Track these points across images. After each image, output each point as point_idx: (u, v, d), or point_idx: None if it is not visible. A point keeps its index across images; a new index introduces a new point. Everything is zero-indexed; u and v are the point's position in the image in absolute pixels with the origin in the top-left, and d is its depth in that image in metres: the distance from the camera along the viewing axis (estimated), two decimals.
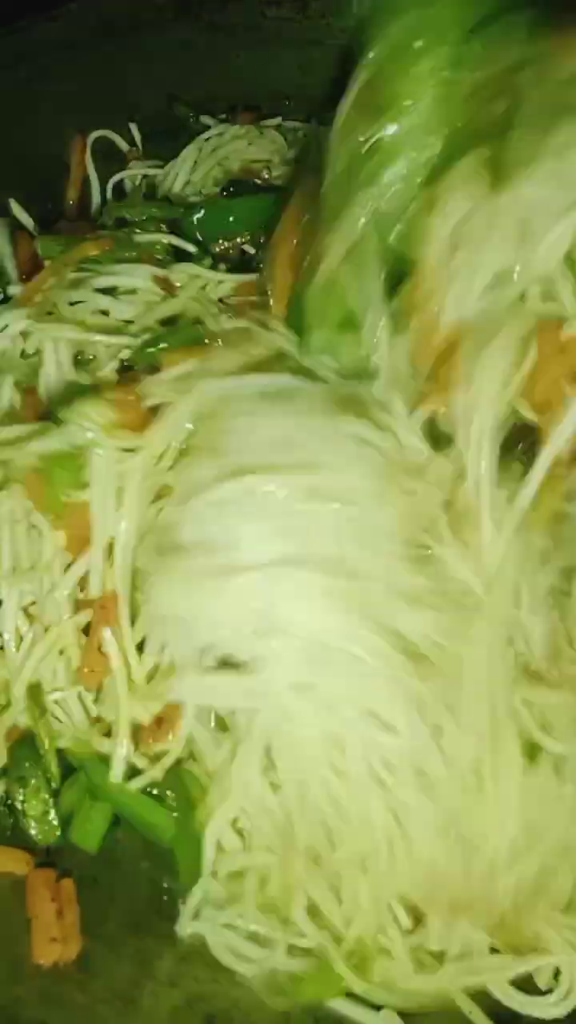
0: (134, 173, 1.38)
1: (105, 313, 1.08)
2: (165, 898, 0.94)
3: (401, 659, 0.84)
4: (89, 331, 1.04)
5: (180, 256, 1.15)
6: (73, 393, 0.99)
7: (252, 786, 0.89)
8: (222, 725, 0.94)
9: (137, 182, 1.38)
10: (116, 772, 0.93)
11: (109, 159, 1.40)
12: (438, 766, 0.84)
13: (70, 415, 0.94)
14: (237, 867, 0.91)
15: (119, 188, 1.39)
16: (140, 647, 0.94)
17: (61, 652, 0.98)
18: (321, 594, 0.85)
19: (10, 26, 1.29)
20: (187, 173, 1.33)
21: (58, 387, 1.03)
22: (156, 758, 0.93)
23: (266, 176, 1.32)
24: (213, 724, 0.94)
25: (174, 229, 1.18)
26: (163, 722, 0.94)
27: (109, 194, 1.38)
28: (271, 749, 0.88)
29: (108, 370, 1.03)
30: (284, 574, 0.85)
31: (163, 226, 1.17)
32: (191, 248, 1.14)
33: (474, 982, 0.88)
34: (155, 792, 0.94)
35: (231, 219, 1.21)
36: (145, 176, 1.38)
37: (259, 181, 1.31)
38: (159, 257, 1.13)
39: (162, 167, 1.36)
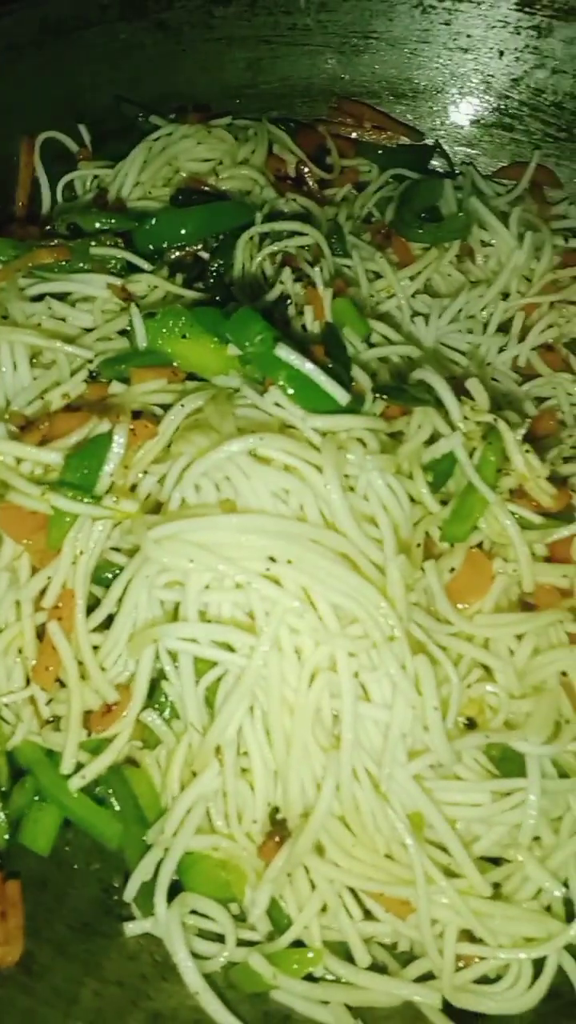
0: (84, 174, 1.37)
1: (62, 320, 1.07)
2: (115, 898, 0.94)
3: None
4: (47, 337, 1.03)
5: (134, 267, 1.15)
6: None
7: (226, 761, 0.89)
8: (174, 712, 0.95)
9: (87, 183, 1.38)
10: (66, 764, 0.93)
11: (58, 160, 1.39)
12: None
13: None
14: (195, 848, 0.91)
15: (69, 188, 1.39)
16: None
17: (20, 651, 0.98)
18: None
19: None
20: (136, 173, 1.32)
21: (15, 390, 1.03)
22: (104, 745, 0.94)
23: (214, 181, 1.32)
24: (167, 713, 0.95)
25: (127, 240, 1.18)
26: (113, 708, 0.94)
27: (59, 196, 1.38)
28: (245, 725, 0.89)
29: (75, 381, 1.03)
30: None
31: (118, 240, 1.16)
32: (146, 266, 1.14)
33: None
34: (100, 794, 0.94)
35: (183, 231, 1.21)
36: (96, 177, 1.38)
37: (208, 187, 1.30)
38: (113, 271, 1.13)
39: (112, 167, 1.35)
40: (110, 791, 0.94)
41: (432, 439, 0.98)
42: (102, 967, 0.89)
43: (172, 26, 1.42)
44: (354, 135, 1.46)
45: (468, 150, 1.53)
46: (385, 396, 1.00)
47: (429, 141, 1.53)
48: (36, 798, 0.97)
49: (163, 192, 1.33)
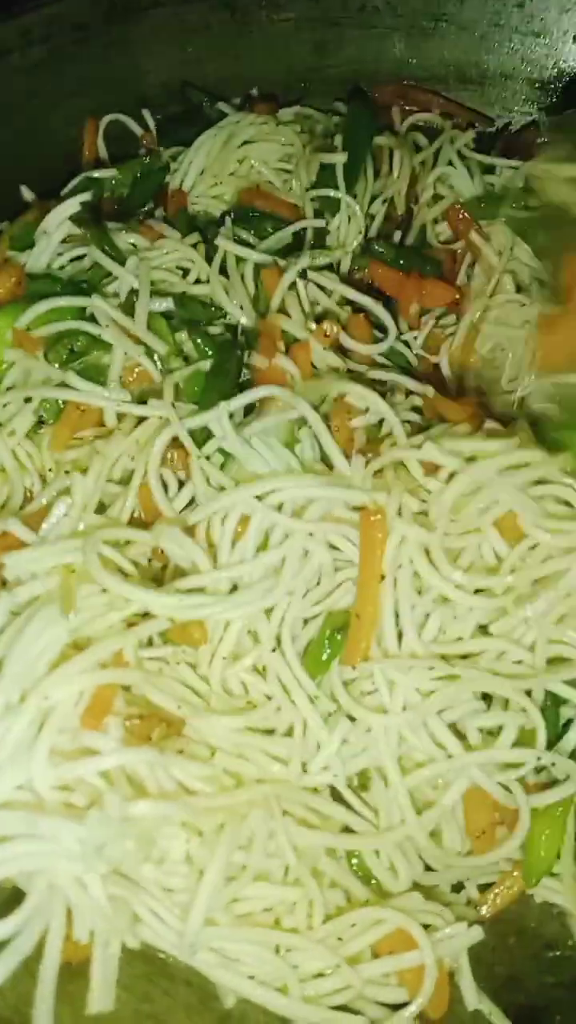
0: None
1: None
2: None
3: None
4: None
5: None
6: None
7: None
8: None
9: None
10: None
11: (122, 143, 1.37)
12: None
13: None
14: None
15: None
16: None
17: None
18: None
19: (20, 7, 1.26)
20: (201, 163, 1.30)
21: None
22: None
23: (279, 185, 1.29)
24: None
25: None
26: None
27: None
28: None
29: None
30: None
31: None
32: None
33: None
34: None
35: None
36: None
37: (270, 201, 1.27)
38: None
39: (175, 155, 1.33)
40: None
41: None
42: (167, 964, 0.89)
43: (239, 7, 1.39)
44: (422, 121, 1.42)
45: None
46: None
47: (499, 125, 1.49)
48: None
49: (226, 188, 1.30)
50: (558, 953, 0.97)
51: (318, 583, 0.96)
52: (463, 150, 1.34)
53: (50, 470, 1.06)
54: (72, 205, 1.17)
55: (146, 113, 1.37)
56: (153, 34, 1.36)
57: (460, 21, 1.44)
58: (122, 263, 1.12)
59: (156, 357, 1.07)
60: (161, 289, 1.14)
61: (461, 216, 1.26)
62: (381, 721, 0.92)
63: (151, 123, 1.37)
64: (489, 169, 1.33)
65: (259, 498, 0.95)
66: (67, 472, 1.02)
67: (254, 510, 0.95)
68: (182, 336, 1.11)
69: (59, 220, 1.16)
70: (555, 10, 1.41)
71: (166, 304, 1.11)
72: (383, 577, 0.93)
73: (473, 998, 0.90)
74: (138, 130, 1.38)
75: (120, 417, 1.06)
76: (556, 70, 1.46)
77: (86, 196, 1.18)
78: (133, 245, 1.17)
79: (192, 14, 1.37)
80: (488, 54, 1.46)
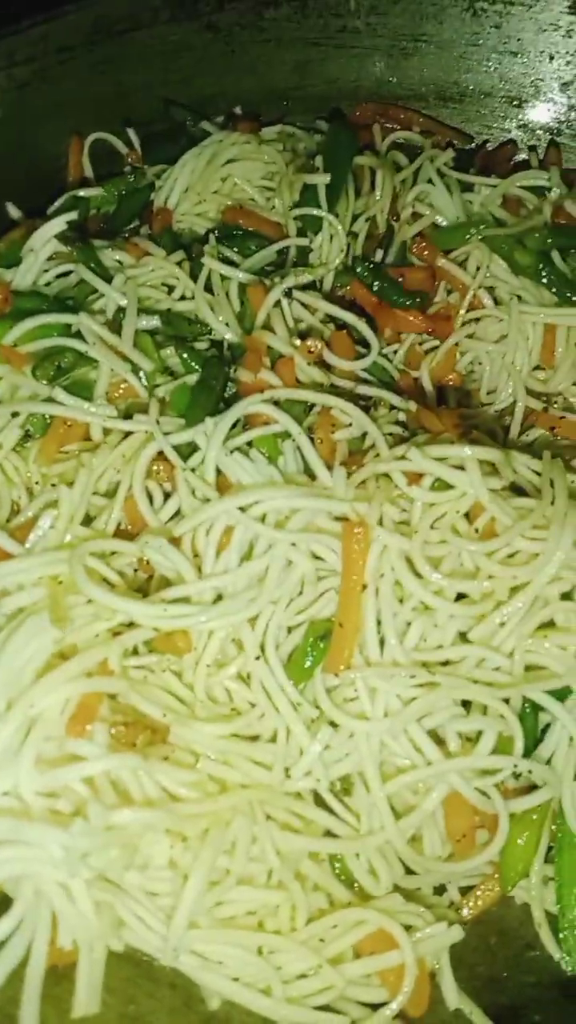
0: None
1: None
2: None
3: None
4: None
5: None
6: None
7: None
8: None
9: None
10: None
11: (107, 161, 1.40)
12: None
13: None
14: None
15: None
16: None
17: None
18: None
19: (7, 28, 1.28)
20: (186, 179, 1.32)
21: None
22: None
23: (262, 204, 1.32)
24: None
25: None
26: None
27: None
28: None
29: None
30: None
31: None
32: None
33: None
34: None
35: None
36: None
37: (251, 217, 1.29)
38: None
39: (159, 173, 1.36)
40: None
41: None
42: (152, 966, 0.90)
43: (222, 28, 1.42)
44: (402, 139, 1.44)
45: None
46: None
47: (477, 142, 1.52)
48: None
49: (210, 206, 1.32)
50: (538, 953, 0.98)
51: (301, 592, 0.98)
52: (442, 168, 1.36)
53: (37, 483, 1.08)
54: (58, 224, 1.19)
55: (131, 132, 1.40)
56: (137, 54, 1.39)
57: (439, 41, 1.47)
58: (108, 280, 1.15)
59: (142, 374, 1.10)
60: (147, 306, 1.17)
61: (426, 246, 1.28)
62: (363, 727, 0.94)
63: (136, 141, 1.40)
64: (467, 187, 1.35)
65: (243, 509, 0.97)
66: (53, 485, 1.04)
67: (238, 521, 0.97)
68: (168, 352, 1.14)
69: (45, 238, 1.19)
70: (531, 30, 1.45)
71: (153, 322, 1.14)
72: (365, 587, 0.95)
73: (454, 998, 0.92)
74: (123, 148, 1.40)
75: (106, 432, 1.08)
76: (533, 88, 1.49)
77: (72, 215, 1.20)
78: (119, 262, 1.19)
79: (176, 34, 1.40)
80: (467, 73, 1.49)
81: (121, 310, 1.13)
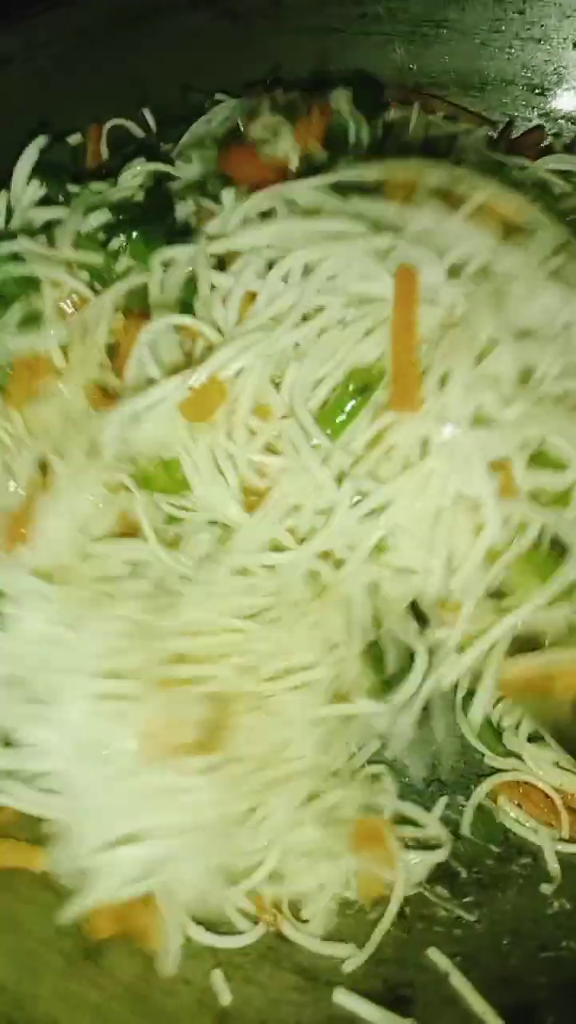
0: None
1: None
2: None
3: None
4: None
5: None
6: None
7: None
8: None
9: None
10: None
11: (125, 146, 1.38)
12: None
13: None
14: None
15: None
16: None
17: None
18: None
19: (26, 14, 1.27)
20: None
21: None
22: None
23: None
24: None
25: None
26: None
27: None
28: None
29: None
30: None
31: None
32: None
33: None
34: None
35: None
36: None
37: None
38: None
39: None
40: None
41: None
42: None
43: (241, 14, 1.40)
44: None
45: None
46: None
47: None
48: None
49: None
50: (551, 954, 0.98)
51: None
52: (478, 145, 1.35)
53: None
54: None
55: (146, 112, 1.37)
56: (156, 41, 1.37)
57: (461, 27, 1.45)
58: None
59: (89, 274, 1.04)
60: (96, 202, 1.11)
61: None
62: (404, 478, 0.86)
63: (153, 125, 1.38)
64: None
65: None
66: None
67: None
68: (120, 240, 1.05)
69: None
70: (555, 16, 1.42)
71: (102, 217, 1.07)
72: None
73: (467, 997, 0.92)
74: (140, 134, 1.39)
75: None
76: (556, 76, 1.47)
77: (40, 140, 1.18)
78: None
79: (194, 22, 1.38)
80: (489, 60, 1.47)
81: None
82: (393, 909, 0.97)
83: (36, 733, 0.88)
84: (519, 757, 1.08)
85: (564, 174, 1.26)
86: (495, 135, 1.49)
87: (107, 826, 0.85)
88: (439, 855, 1.03)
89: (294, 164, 1.16)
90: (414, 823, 1.04)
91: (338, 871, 0.96)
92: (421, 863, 1.02)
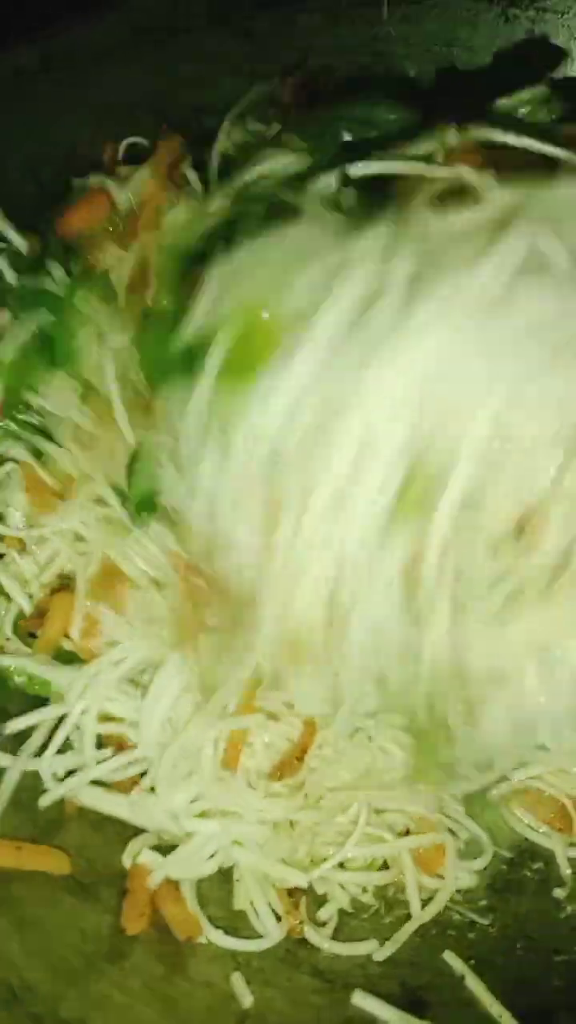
0: None
1: None
2: None
3: None
4: None
5: None
6: None
7: None
8: None
9: None
10: None
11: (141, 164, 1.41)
12: None
13: None
14: None
15: None
16: None
17: None
18: None
19: (47, 31, 1.30)
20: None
21: None
22: None
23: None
24: None
25: None
26: None
27: None
28: None
29: None
30: None
31: None
32: None
33: None
34: None
35: None
36: None
37: None
38: None
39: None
40: None
41: None
42: (186, 965, 0.92)
43: (256, 35, 1.42)
44: None
45: None
46: None
47: None
48: None
49: None
50: (565, 958, 0.99)
51: None
52: None
53: None
54: None
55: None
56: (173, 60, 1.39)
57: (472, 47, 1.47)
58: None
59: None
60: None
61: None
62: None
63: None
64: None
65: None
66: None
67: None
68: None
69: None
70: (564, 36, 1.44)
71: None
72: None
73: (483, 1000, 0.93)
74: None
75: None
76: None
77: None
78: None
79: (211, 41, 1.41)
80: None
81: None
82: (432, 910, 0.98)
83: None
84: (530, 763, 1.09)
85: None
86: None
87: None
88: (480, 862, 1.04)
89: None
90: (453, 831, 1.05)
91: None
92: (468, 870, 1.04)
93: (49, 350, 1.08)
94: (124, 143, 1.39)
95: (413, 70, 1.48)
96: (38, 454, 1.10)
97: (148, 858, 0.96)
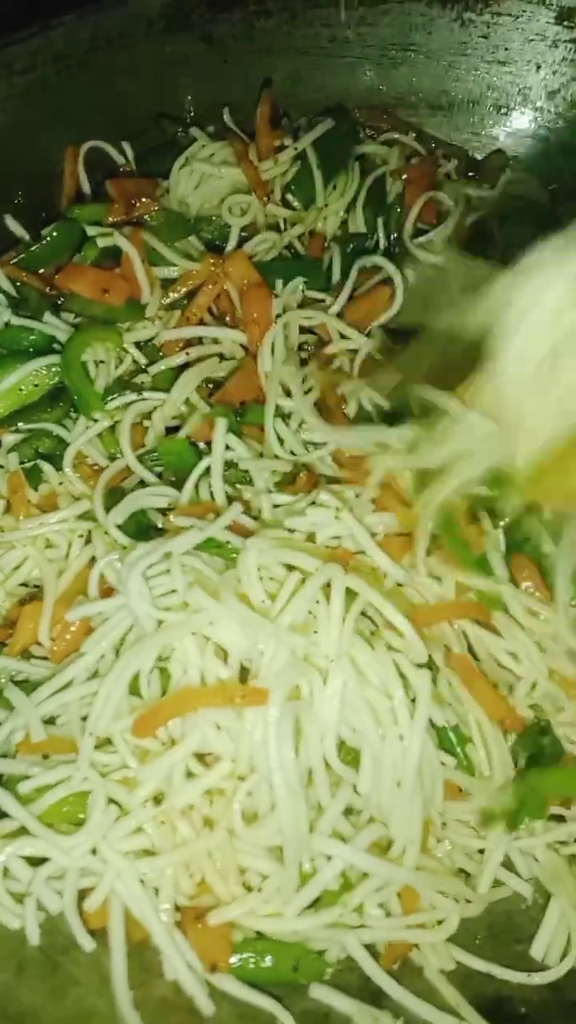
0: None
1: None
2: None
3: None
4: None
5: None
6: None
7: None
8: None
9: None
10: None
11: (101, 169, 1.42)
12: None
13: None
14: None
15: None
16: None
17: None
18: None
19: (7, 38, 1.31)
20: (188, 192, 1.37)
21: None
22: None
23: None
24: None
25: None
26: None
27: None
28: None
29: None
30: None
31: None
32: None
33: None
34: None
35: None
36: None
37: None
38: None
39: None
40: None
41: None
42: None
43: (216, 39, 1.44)
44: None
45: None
46: None
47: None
48: None
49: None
50: (525, 947, 0.99)
51: None
52: (452, 173, 1.44)
53: None
54: None
55: (126, 145, 1.43)
56: (134, 64, 1.41)
57: (428, 51, 1.50)
58: None
59: None
60: None
61: None
62: None
63: (130, 154, 1.43)
64: None
65: None
66: None
67: None
68: None
69: None
70: (518, 40, 1.47)
71: None
72: None
73: (442, 990, 0.93)
74: (118, 158, 1.43)
75: None
76: (521, 96, 1.52)
77: None
78: None
79: (171, 45, 1.43)
80: (455, 81, 1.52)
81: None
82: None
83: None
84: None
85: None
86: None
87: None
88: None
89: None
90: None
91: None
92: None
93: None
94: (84, 147, 1.40)
95: (371, 71, 1.50)
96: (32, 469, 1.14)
97: None
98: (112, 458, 1.15)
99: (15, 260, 1.24)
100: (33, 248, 1.25)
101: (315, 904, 0.93)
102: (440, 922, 0.97)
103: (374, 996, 0.92)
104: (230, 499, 1.06)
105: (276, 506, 1.06)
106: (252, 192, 1.34)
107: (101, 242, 1.24)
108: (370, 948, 0.94)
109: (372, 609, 0.97)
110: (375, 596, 0.95)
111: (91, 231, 1.25)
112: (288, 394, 1.16)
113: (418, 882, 0.94)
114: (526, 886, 1.02)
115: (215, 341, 1.23)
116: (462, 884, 0.99)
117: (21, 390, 1.16)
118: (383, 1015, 0.91)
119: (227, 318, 1.27)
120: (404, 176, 1.40)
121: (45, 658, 1.06)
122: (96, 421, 1.15)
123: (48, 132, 1.38)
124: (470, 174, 1.50)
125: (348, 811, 0.95)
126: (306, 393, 1.17)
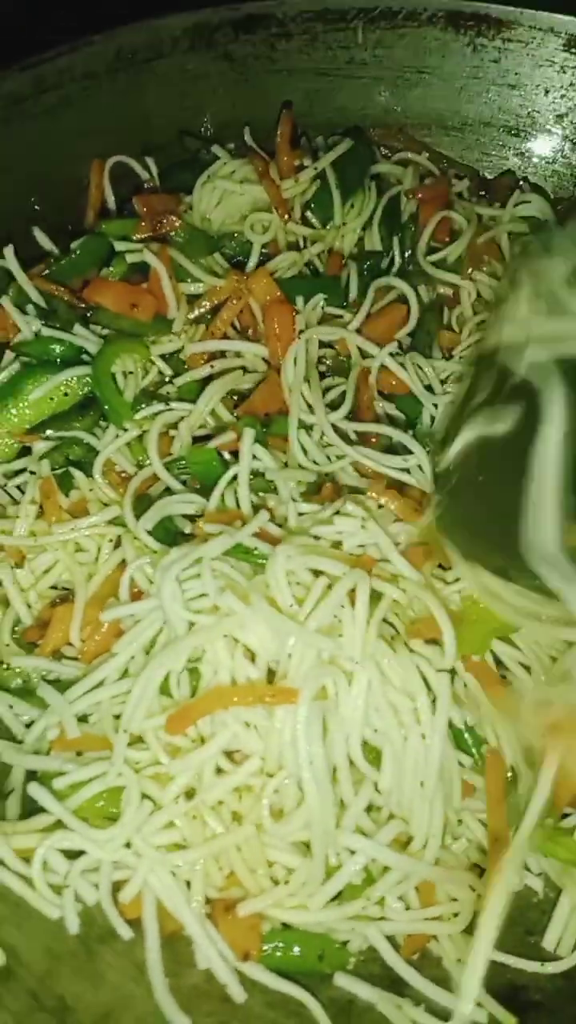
0: None
1: None
2: None
3: None
4: None
5: None
6: None
7: None
8: None
9: None
10: None
11: (125, 183, 1.46)
12: None
13: None
14: None
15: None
16: None
17: None
18: None
19: (36, 57, 1.35)
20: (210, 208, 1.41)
21: None
22: None
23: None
24: None
25: None
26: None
27: None
28: None
29: None
30: None
31: None
32: None
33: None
34: None
35: None
36: None
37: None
38: None
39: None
40: None
41: None
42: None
43: (237, 58, 1.48)
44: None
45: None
46: None
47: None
48: None
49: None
50: (538, 938, 1.04)
51: None
52: (464, 192, 1.49)
53: None
54: None
55: (150, 161, 1.47)
56: (157, 82, 1.45)
57: (442, 74, 1.55)
58: None
59: None
60: None
61: None
62: None
63: (154, 169, 1.47)
64: None
65: None
66: None
67: None
68: None
69: None
70: (528, 66, 1.53)
71: None
72: None
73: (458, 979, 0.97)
74: (143, 172, 1.47)
75: None
76: (530, 119, 1.57)
77: None
78: None
79: (193, 64, 1.47)
80: (468, 103, 1.58)
81: None
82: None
83: None
84: None
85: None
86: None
87: None
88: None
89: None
90: None
91: None
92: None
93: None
94: (110, 162, 1.44)
95: (386, 92, 1.55)
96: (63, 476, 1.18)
97: None
98: (140, 466, 1.18)
99: (44, 272, 1.26)
100: (62, 261, 1.28)
101: (338, 897, 0.97)
102: (456, 915, 1.00)
103: (395, 984, 0.96)
104: (255, 507, 1.09)
105: (301, 514, 1.09)
106: (273, 210, 1.38)
107: (130, 258, 1.28)
108: (391, 939, 0.98)
109: (392, 615, 1.02)
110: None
111: (120, 247, 1.29)
112: (310, 407, 1.20)
113: (437, 877, 0.98)
114: (537, 880, 1.06)
115: (238, 354, 1.27)
116: (477, 878, 1.03)
117: (52, 399, 1.19)
118: (404, 1002, 0.95)
119: (249, 332, 1.31)
120: (419, 195, 1.45)
121: (75, 658, 1.10)
122: (126, 430, 1.19)
123: (76, 148, 1.41)
124: (481, 193, 1.54)
125: (368, 808, 0.99)
126: (327, 406, 1.22)
